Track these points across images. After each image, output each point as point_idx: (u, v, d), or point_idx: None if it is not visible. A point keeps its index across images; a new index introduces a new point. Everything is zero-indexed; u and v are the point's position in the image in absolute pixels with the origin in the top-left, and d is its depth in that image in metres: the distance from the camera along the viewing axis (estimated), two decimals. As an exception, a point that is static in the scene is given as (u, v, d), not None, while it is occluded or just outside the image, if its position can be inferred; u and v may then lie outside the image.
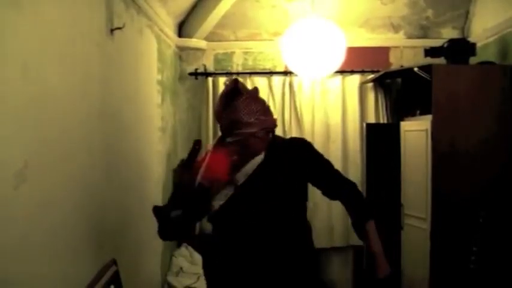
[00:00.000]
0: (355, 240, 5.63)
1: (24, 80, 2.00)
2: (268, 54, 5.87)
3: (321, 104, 5.73)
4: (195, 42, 5.71)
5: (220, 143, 2.70)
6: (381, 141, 5.49)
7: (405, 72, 5.31)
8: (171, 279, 4.57)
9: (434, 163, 4.61)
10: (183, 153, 5.44)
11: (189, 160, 2.58)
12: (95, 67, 2.91)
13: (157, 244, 4.60)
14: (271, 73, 5.76)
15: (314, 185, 2.93)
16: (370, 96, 5.78)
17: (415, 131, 4.95)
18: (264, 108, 2.75)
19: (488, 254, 4.50)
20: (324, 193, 2.98)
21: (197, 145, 2.61)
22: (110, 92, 3.18)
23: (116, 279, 3.04)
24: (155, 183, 4.57)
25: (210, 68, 5.81)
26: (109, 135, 3.17)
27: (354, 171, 5.64)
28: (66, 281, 2.36)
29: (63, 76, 2.42)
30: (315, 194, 5.44)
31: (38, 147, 2.11)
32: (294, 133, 5.63)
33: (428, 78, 4.64)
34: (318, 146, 5.55)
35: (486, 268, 4.47)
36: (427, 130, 4.67)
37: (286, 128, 5.63)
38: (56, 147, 2.32)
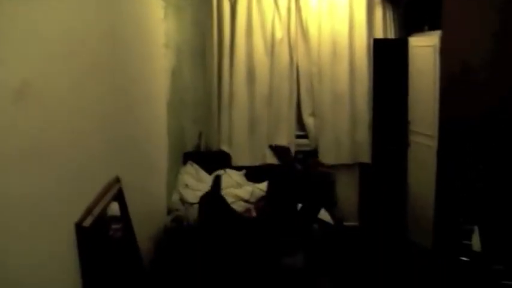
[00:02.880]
0: (362, 157, 5.65)
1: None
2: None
3: (328, 20, 5.57)
4: (199, -47, 5.51)
5: None
6: (388, 57, 5.39)
7: (414, -15, 5.15)
8: (183, 191, 4.58)
9: (442, 80, 4.54)
10: (187, 71, 5.40)
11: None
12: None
13: (163, 162, 4.60)
14: (276, -13, 5.57)
15: None
16: (378, 12, 5.61)
17: (423, 47, 4.85)
18: None
19: (495, 173, 4.49)
20: None
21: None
22: (110, 9, 3.08)
23: (119, 196, 3.04)
24: (160, 101, 4.53)
25: (216, -20, 5.60)
26: (113, 54, 3.10)
27: (361, 88, 5.56)
28: (69, 198, 2.36)
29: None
30: (322, 110, 5.49)
31: (41, 65, 2.06)
32: (300, 51, 5.51)
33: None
34: (325, 63, 5.50)
35: (492, 187, 4.47)
36: (435, 45, 4.57)
37: (292, 46, 5.51)
38: (60, 65, 2.26)
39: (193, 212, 4.32)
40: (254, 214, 4.16)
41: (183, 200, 4.52)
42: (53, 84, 2.19)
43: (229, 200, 4.39)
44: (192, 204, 4.40)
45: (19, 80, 1.90)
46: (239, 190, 4.66)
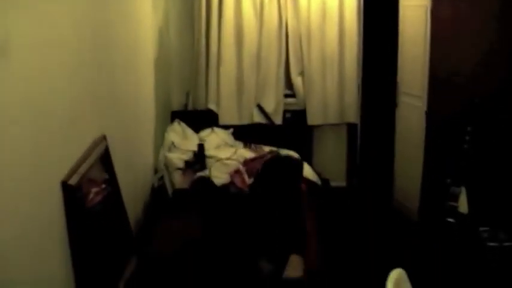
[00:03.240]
0: (350, 118, 5.63)
1: None
2: None
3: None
4: None
5: None
6: (378, 17, 5.33)
7: None
8: (168, 155, 4.55)
9: (432, 40, 4.50)
10: (174, 31, 5.32)
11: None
12: None
13: (150, 120, 4.57)
14: None
15: None
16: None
17: (415, 6, 4.79)
18: None
19: (483, 135, 4.49)
20: None
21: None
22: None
23: (106, 155, 3.01)
24: (147, 60, 4.47)
25: None
26: (97, 11, 3.03)
27: (350, 48, 5.49)
28: (55, 157, 2.32)
29: None
30: (310, 69, 5.44)
31: (23, 24, 2.00)
32: (289, 13, 5.42)
33: None
34: (314, 24, 5.42)
35: (480, 149, 4.47)
36: (426, 5, 4.51)
37: (282, 6, 5.40)
38: (42, 24, 2.20)
39: (177, 177, 4.30)
40: (246, 177, 4.14)
41: (166, 165, 4.49)
42: (34, 43, 2.14)
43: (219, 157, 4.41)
44: (175, 169, 4.38)
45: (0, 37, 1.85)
46: (226, 151, 4.65)
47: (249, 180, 4.08)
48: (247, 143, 5.12)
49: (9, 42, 1.89)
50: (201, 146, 4.47)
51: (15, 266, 1.92)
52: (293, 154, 4.90)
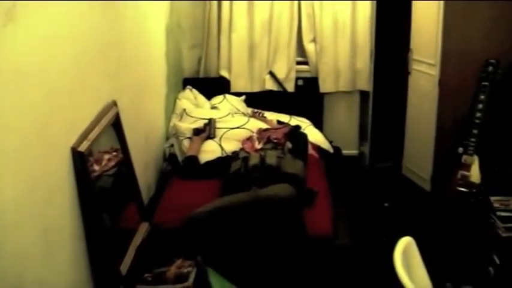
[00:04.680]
0: (362, 85, 5.59)
1: None
2: None
3: None
4: None
5: None
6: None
7: None
8: (177, 123, 4.54)
9: (446, 7, 4.45)
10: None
11: None
12: None
13: (161, 87, 4.55)
14: None
15: None
16: None
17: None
18: None
19: (495, 105, 4.45)
20: None
21: None
22: None
23: (116, 121, 3.01)
24: (158, 25, 4.44)
25: None
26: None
27: (363, 15, 5.41)
28: (63, 123, 2.32)
29: None
30: (323, 36, 5.39)
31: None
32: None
33: None
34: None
35: (492, 119, 4.44)
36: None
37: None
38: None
39: (186, 145, 4.31)
40: (256, 143, 4.14)
41: (176, 133, 4.49)
42: (43, 7, 2.12)
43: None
44: (184, 138, 4.38)
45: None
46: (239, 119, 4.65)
47: (258, 145, 4.08)
48: (252, 112, 5.09)
49: (17, 6, 1.88)
50: (211, 121, 4.46)
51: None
52: (303, 122, 4.91)
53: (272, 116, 4.98)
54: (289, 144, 4.05)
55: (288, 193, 3.19)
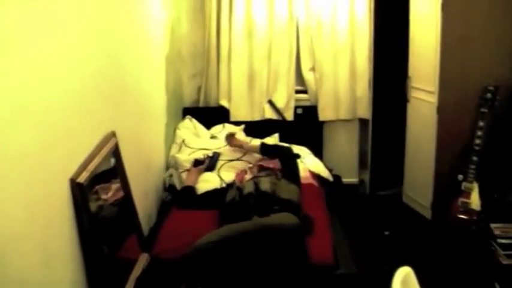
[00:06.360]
0: (361, 113, 5.61)
1: None
2: None
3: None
4: None
5: None
6: (389, 11, 5.31)
7: None
8: (176, 155, 4.55)
9: (444, 35, 4.48)
10: (186, 25, 5.31)
11: None
12: None
13: (161, 116, 4.57)
14: None
15: None
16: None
17: (426, 1, 4.76)
18: None
19: (495, 132, 4.46)
20: None
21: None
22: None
23: (115, 151, 3.02)
24: (158, 55, 4.46)
25: None
26: (108, 6, 3.04)
27: (361, 43, 5.46)
28: (62, 154, 2.33)
29: None
30: (322, 64, 5.41)
31: (30, 19, 2.01)
32: (300, 8, 5.39)
33: None
34: (324, 20, 5.39)
35: (491, 146, 4.45)
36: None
37: (292, 2, 5.38)
38: (53, 20, 2.21)
39: (184, 176, 4.32)
40: (247, 175, 4.15)
41: (175, 165, 4.51)
42: (40, 37, 2.14)
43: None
44: (183, 170, 4.40)
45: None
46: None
47: (247, 177, 4.09)
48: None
49: (14, 38, 1.89)
50: (215, 155, 4.52)
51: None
52: (303, 150, 4.93)
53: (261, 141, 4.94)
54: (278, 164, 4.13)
55: (292, 222, 3.20)
